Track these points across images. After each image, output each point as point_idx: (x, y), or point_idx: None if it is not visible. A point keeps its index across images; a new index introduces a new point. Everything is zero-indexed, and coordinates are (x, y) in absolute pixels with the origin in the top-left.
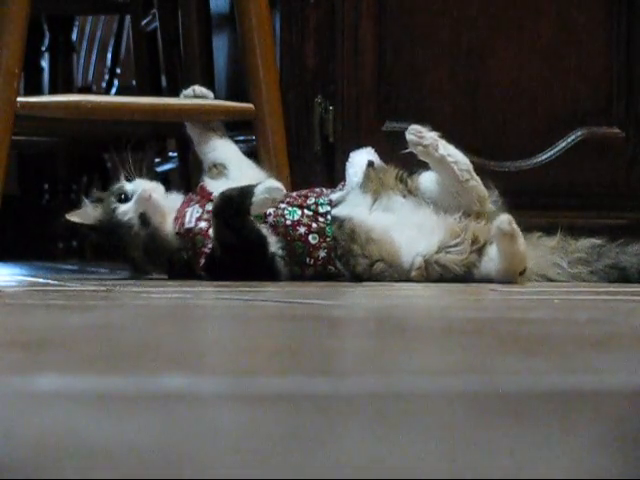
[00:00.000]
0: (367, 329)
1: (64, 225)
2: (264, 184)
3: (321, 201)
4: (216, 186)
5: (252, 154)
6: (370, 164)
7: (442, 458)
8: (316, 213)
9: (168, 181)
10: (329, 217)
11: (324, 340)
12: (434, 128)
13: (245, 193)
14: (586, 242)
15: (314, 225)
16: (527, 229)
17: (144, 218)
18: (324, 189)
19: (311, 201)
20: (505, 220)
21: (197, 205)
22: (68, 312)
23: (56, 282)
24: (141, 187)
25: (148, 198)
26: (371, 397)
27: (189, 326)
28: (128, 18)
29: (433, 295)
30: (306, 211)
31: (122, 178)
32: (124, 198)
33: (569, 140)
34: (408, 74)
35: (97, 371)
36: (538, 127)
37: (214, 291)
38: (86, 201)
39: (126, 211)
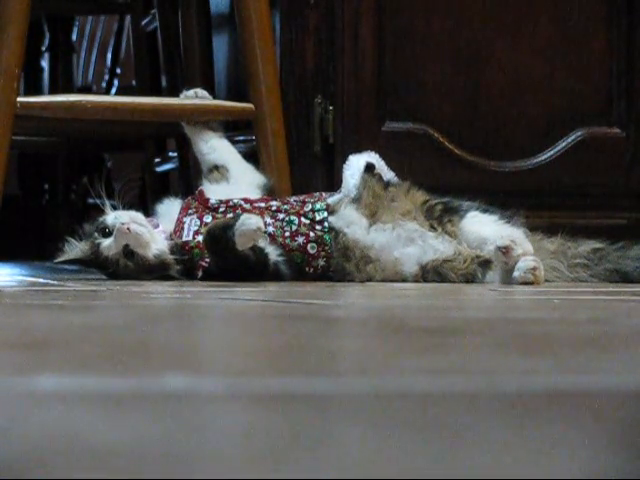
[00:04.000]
0: (367, 329)
1: (64, 225)
2: (240, 224)
3: (318, 207)
4: (216, 191)
5: (252, 154)
6: (369, 168)
7: (442, 458)
8: (313, 221)
9: (168, 181)
10: (326, 224)
11: (324, 340)
12: (434, 128)
13: (226, 231)
14: (586, 247)
15: (312, 234)
16: (528, 229)
17: (127, 251)
18: (323, 194)
19: (308, 208)
20: (530, 266)
21: (195, 216)
22: (68, 312)
23: (56, 282)
24: (119, 220)
25: (127, 231)
26: (371, 397)
27: (189, 326)
28: (128, 18)
29: (433, 295)
30: (303, 219)
31: (106, 209)
32: (108, 232)
33: (569, 140)
34: (408, 74)
35: (97, 371)
36: (538, 127)
37: (214, 291)
38: (71, 240)
39: (109, 246)
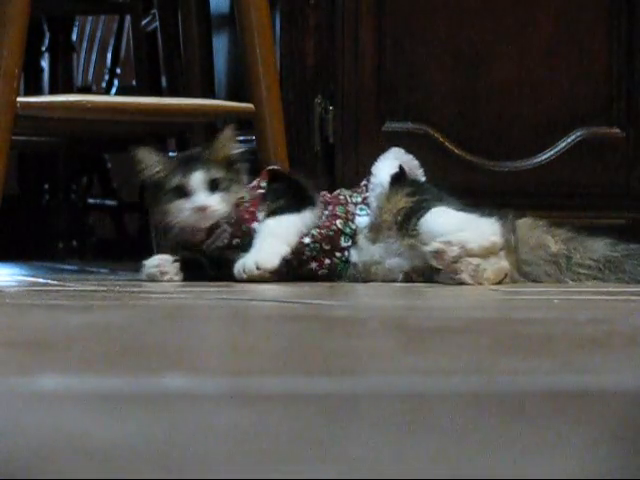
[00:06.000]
0: (367, 329)
1: (64, 225)
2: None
3: (347, 230)
4: None
5: (252, 154)
6: (395, 177)
7: (442, 458)
8: (335, 248)
9: None
10: (346, 254)
11: (324, 340)
12: (434, 128)
13: None
14: (595, 254)
15: (327, 261)
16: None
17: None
18: (347, 195)
19: (334, 227)
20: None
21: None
22: (68, 312)
23: (56, 282)
24: (201, 202)
25: (204, 208)
26: (371, 397)
27: (189, 326)
28: (128, 18)
29: (433, 295)
30: (325, 246)
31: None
32: (184, 192)
33: (569, 140)
34: (408, 74)
35: (97, 371)
36: (538, 127)
37: (214, 291)
38: (151, 151)
39: (183, 208)
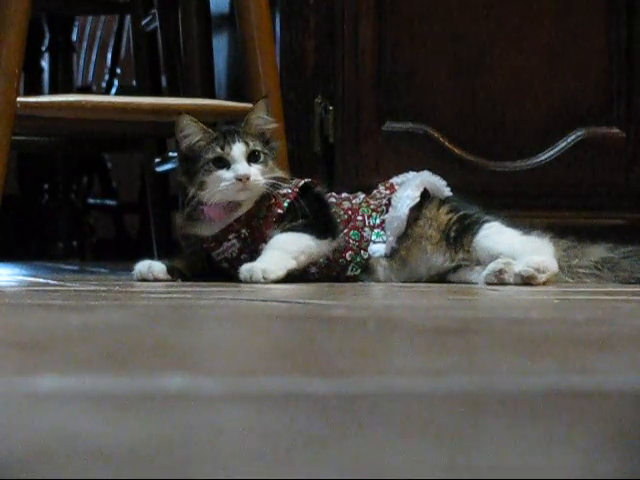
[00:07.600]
0: (367, 329)
1: (64, 225)
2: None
3: (358, 259)
4: None
5: None
6: (415, 207)
7: (441, 458)
8: (340, 276)
9: (168, 181)
10: (351, 279)
11: (324, 340)
12: (434, 128)
13: None
14: (593, 257)
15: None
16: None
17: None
18: (365, 216)
19: (343, 261)
20: (497, 268)
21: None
22: (68, 312)
23: (56, 282)
24: (243, 170)
25: (246, 178)
26: (371, 397)
27: (189, 326)
28: (128, 18)
29: (433, 295)
30: (331, 273)
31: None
32: (224, 163)
33: (569, 140)
34: (408, 74)
35: (97, 371)
36: (538, 127)
37: (214, 291)
38: (197, 121)
39: (224, 178)
